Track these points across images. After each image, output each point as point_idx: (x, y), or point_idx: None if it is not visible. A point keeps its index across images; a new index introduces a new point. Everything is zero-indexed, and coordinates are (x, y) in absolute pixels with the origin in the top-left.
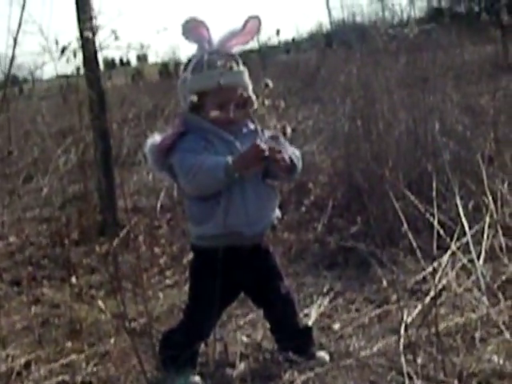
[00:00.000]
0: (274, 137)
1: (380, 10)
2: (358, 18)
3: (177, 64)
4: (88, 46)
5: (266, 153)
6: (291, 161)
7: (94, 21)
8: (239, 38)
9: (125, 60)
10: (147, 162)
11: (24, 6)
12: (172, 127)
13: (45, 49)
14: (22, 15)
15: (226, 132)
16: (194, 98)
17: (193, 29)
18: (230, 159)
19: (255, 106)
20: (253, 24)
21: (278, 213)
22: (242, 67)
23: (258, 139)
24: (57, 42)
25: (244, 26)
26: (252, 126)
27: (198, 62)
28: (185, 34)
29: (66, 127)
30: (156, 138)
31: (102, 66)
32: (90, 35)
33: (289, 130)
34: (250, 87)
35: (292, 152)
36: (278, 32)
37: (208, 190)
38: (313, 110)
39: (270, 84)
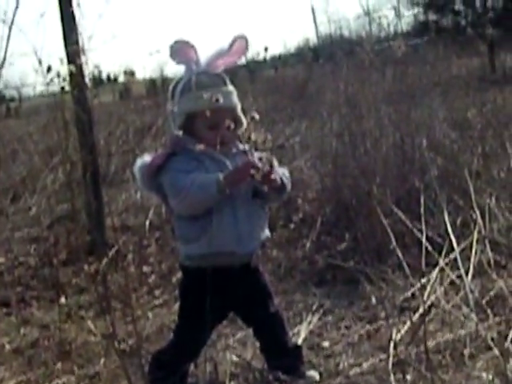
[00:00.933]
0: (263, 157)
1: (367, 24)
2: (346, 32)
3: (164, 80)
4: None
5: (258, 166)
6: (281, 181)
7: (80, 44)
8: (227, 58)
9: (112, 76)
10: (136, 181)
11: (11, 26)
12: (162, 147)
13: (36, 70)
14: (9, 35)
15: (217, 152)
16: (179, 134)
17: (180, 50)
18: (220, 175)
19: (244, 125)
20: (240, 44)
21: (267, 233)
22: (230, 87)
23: (250, 157)
24: (40, 62)
25: (231, 45)
26: (242, 147)
27: (186, 83)
28: (172, 55)
29: (54, 145)
30: (146, 158)
31: (89, 83)
32: (74, 69)
33: (275, 164)
34: (239, 107)
35: (282, 173)
36: (266, 49)
37: (200, 207)
38: (300, 125)
39: (257, 117)
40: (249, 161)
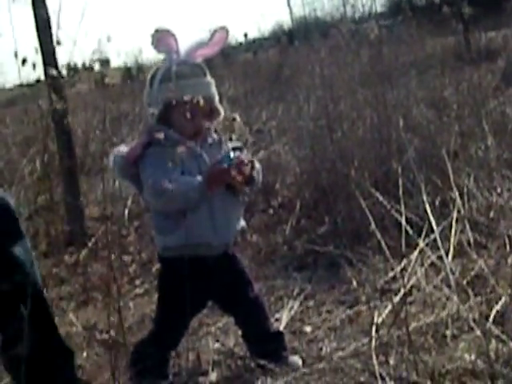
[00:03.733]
0: (236, 148)
1: (341, 5)
2: (320, 14)
3: (139, 68)
4: (49, 57)
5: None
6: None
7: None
8: (206, 49)
9: (87, 64)
10: (112, 172)
11: None
12: (138, 137)
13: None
14: None
15: (193, 143)
16: (155, 111)
17: (161, 39)
18: (200, 180)
19: (221, 116)
20: (220, 35)
21: (243, 222)
22: (209, 78)
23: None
24: (16, 55)
25: (212, 37)
26: (216, 137)
27: (165, 72)
28: (154, 43)
29: (31, 136)
30: (121, 149)
31: (64, 72)
32: (55, 72)
33: (257, 166)
34: (217, 98)
35: (247, 167)
36: (245, 35)
37: (179, 208)
38: (277, 109)
39: (238, 118)
40: (224, 168)
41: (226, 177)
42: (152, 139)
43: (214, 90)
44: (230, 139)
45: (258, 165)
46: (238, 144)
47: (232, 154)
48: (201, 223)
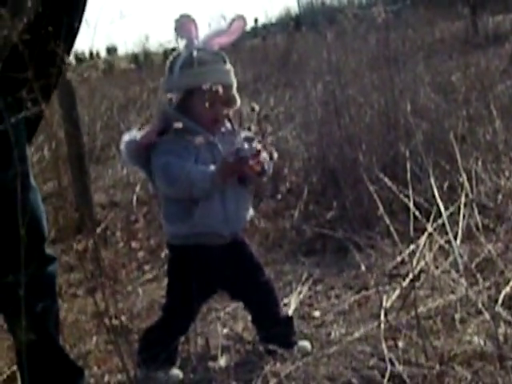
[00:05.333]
0: (249, 138)
1: None
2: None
3: (147, 55)
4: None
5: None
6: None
7: None
8: (223, 38)
9: (94, 53)
10: (121, 157)
11: None
12: (151, 124)
13: None
14: None
15: (208, 132)
16: (173, 97)
17: (183, 25)
18: (214, 170)
19: (237, 105)
20: (238, 24)
21: (251, 211)
22: (228, 65)
23: (240, 148)
24: None
25: (229, 26)
26: (230, 126)
27: (186, 58)
28: (177, 29)
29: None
30: (134, 134)
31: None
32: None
33: (275, 156)
34: (235, 86)
35: (264, 157)
36: (256, 21)
37: (191, 196)
38: (285, 94)
39: (257, 108)
40: (242, 157)
41: (245, 167)
42: (167, 126)
43: (233, 77)
44: (249, 129)
45: (275, 155)
46: (250, 134)
47: (254, 144)
48: (213, 213)
